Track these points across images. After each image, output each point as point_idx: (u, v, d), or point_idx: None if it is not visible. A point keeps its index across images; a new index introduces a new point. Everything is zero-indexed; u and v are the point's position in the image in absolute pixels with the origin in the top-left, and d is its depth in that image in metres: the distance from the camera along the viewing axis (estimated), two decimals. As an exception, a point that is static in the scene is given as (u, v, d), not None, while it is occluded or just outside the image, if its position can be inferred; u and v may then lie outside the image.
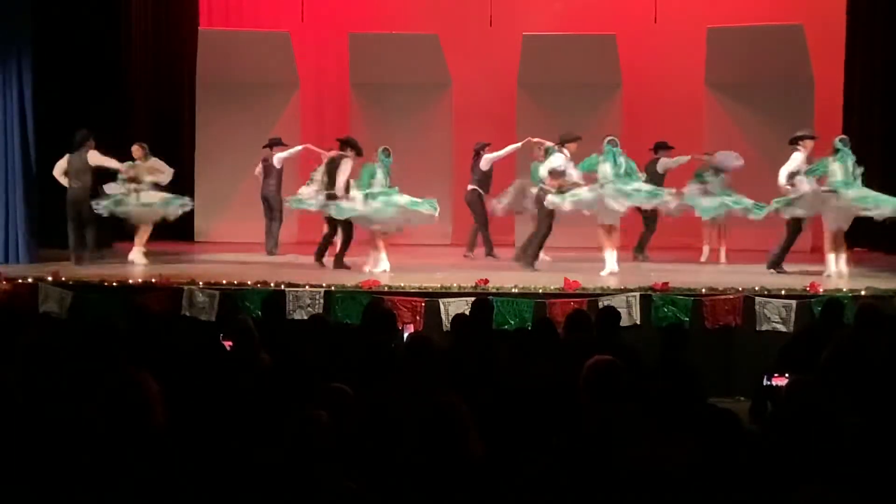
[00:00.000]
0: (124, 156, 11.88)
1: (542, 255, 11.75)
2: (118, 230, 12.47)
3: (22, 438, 4.22)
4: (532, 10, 15.38)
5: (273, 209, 13.29)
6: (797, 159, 10.97)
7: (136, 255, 11.66)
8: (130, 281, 9.99)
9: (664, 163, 12.80)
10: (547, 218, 11.38)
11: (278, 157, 13.25)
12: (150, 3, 14.95)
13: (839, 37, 14.49)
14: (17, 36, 11.54)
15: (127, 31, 14.33)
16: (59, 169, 11.51)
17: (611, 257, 11.05)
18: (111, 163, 11.64)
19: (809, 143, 11.10)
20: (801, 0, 14.71)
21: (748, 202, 12.04)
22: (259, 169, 13.39)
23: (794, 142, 11.14)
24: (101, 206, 11.47)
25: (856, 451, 4.17)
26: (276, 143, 13.36)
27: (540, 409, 5.01)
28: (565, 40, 14.64)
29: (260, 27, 15.66)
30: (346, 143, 11.62)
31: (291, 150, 13.29)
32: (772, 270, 11.04)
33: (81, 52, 13.23)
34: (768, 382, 6.51)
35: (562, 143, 11.38)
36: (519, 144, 12.77)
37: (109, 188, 11.68)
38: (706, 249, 12.76)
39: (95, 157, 11.48)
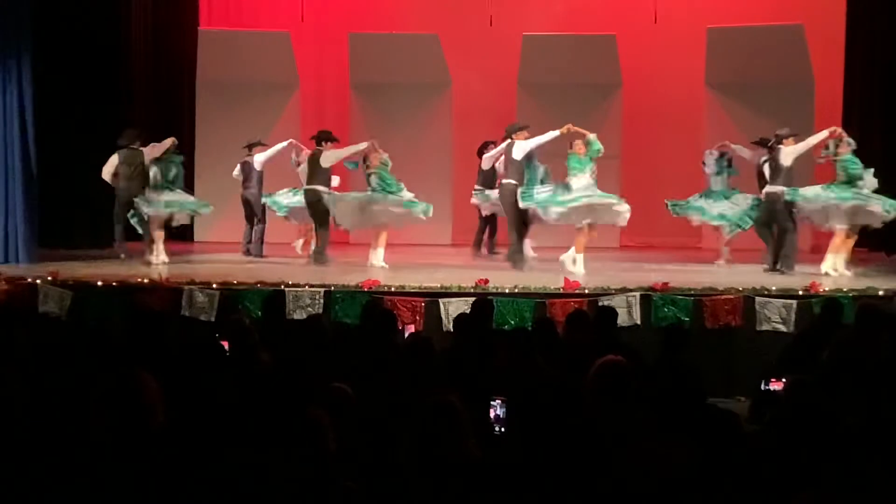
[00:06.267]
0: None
1: (530, 250, 11.81)
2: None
3: (22, 438, 4.22)
4: (532, 10, 15.38)
5: (255, 212, 12.81)
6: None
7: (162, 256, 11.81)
8: (130, 281, 9.99)
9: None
10: None
11: (258, 159, 12.72)
12: (150, 3, 14.95)
13: (839, 37, 14.50)
14: (17, 36, 11.51)
15: (127, 31, 14.32)
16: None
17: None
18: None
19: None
20: (801, 0, 14.71)
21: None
22: (237, 171, 12.91)
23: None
24: None
25: (856, 451, 4.17)
26: (255, 145, 12.89)
27: (539, 409, 5.00)
28: (565, 40, 14.65)
29: (260, 27, 15.67)
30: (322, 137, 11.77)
31: (271, 150, 12.79)
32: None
33: (81, 52, 13.22)
34: (766, 387, 6.50)
35: None
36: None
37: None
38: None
39: None
